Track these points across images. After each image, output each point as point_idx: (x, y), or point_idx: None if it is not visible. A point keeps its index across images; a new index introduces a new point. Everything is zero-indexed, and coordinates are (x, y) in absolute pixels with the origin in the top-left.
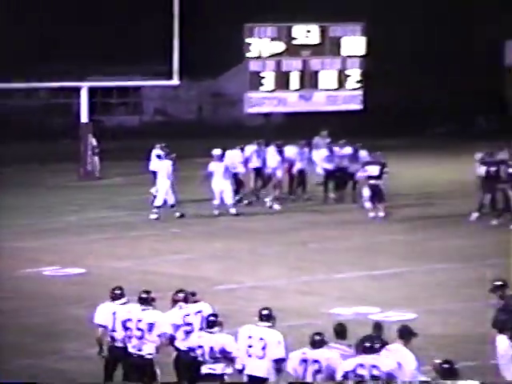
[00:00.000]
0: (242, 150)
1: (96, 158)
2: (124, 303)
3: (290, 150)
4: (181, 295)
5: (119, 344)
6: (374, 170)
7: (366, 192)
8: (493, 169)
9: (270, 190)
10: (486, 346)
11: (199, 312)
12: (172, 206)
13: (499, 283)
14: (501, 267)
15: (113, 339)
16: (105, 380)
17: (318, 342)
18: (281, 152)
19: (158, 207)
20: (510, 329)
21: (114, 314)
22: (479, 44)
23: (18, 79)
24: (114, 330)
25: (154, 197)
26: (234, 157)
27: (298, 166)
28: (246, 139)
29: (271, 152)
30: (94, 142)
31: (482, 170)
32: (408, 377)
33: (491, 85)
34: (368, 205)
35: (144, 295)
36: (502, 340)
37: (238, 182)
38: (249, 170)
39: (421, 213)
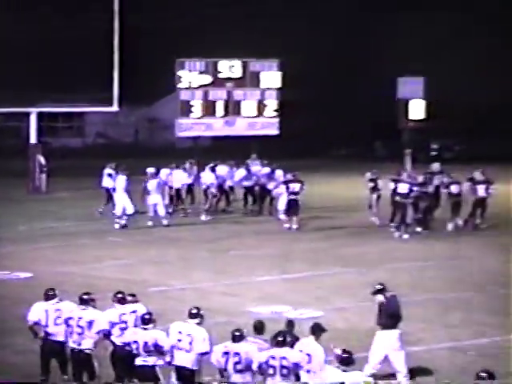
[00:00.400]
0: (185, 169)
1: (43, 175)
2: (56, 302)
3: (222, 169)
4: (119, 296)
5: (54, 338)
6: (295, 186)
7: (282, 206)
8: (398, 186)
9: (201, 204)
10: None
11: (134, 312)
12: (119, 217)
13: (379, 287)
14: (398, 270)
15: (47, 334)
16: (42, 372)
17: (238, 337)
18: (214, 171)
19: (129, 215)
20: (392, 325)
21: (46, 311)
22: (377, 79)
23: None
24: (46, 326)
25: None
26: (177, 175)
27: (228, 183)
28: (177, 159)
29: (207, 170)
30: (42, 160)
31: (391, 186)
32: (318, 367)
33: (387, 115)
34: (283, 217)
35: (85, 296)
36: (383, 335)
37: (173, 197)
38: (183, 186)
39: (328, 224)
